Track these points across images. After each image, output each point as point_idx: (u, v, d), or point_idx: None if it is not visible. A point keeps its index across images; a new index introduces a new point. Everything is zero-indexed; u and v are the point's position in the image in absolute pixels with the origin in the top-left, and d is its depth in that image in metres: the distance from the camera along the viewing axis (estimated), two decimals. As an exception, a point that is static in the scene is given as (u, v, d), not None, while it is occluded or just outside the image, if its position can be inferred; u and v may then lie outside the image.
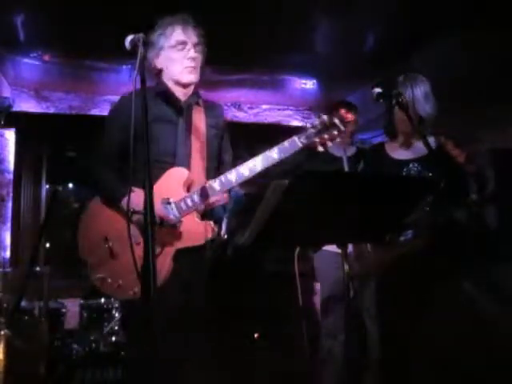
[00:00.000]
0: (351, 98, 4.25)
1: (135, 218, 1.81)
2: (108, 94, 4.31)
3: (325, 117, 1.86)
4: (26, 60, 3.69)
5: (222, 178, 1.87)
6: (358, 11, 3.06)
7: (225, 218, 4.14)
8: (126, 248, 1.80)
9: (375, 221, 1.69)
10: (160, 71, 2.02)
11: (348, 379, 2.63)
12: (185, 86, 2.01)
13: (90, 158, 2.07)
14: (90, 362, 3.04)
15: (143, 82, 1.60)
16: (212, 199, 1.90)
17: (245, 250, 3.66)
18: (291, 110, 5.10)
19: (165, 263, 1.82)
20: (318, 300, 3.25)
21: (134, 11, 2.91)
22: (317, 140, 1.86)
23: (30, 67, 3.81)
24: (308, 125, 1.89)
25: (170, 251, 1.84)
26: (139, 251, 1.66)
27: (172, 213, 1.83)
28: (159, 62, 1.99)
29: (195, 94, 2.07)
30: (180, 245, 1.86)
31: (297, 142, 1.86)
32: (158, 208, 1.78)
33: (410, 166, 2.21)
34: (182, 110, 2.00)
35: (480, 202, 2.14)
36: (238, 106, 4.92)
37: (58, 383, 2.88)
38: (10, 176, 4.22)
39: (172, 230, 1.84)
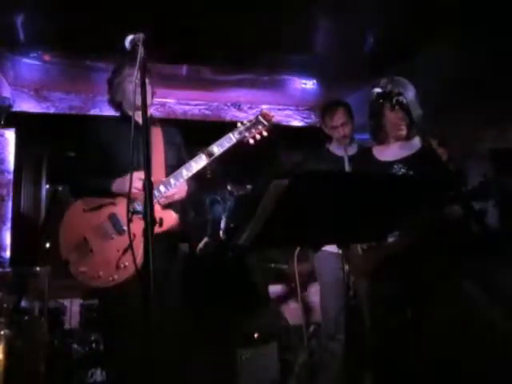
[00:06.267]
0: (351, 97, 4.25)
1: (108, 211, 2.22)
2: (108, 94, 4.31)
3: (252, 117, 2.35)
4: (25, 60, 3.69)
5: (175, 172, 2.26)
6: (357, 11, 3.06)
7: (224, 218, 4.14)
8: (102, 244, 2.21)
9: (375, 221, 1.69)
10: (120, 103, 2.46)
11: (348, 379, 2.64)
12: (139, 108, 2.34)
13: (72, 172, 2.47)
14: (89, 361, 3.04)
15: (143, 81, 1.61)
16: (169, 192, 2.24)
17: (244, 250, 3.66)
18: (291, 109, 5.10)
19: (138, 249, 1.89)
20: (317, 300, 3.24)
21: (134, 11, 2.91)
22: (247, 135, 2.30)
23: (30, 67, 3.81)
24: (239, 124, 2.31)
25: (140, 240, 1.87)
26: (114, 245, 2.19)
27: (140, 207, 2.09)
28: (118, 97, 2.45)
29: (151, 116, 2.49)
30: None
31: (231, 137, 2.28)
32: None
33: (395, 167, 2.22)
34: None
35: (467, 198, 2.16)
36: (237, 106, 4.91)
37: (58, 383, 2.88)
38: (10, 176, 4.22)
39: (140, 220, 1.92)
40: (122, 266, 2.13)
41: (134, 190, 2.04)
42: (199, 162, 2.25)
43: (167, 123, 2.60)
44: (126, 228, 2.14)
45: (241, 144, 2.30)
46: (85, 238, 2.22)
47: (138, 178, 2.04)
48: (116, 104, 2.50)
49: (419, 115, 2.19)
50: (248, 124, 2.32)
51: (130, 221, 1.72)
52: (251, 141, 2.30)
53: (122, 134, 2.29)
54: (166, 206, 2.29)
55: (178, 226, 2.32)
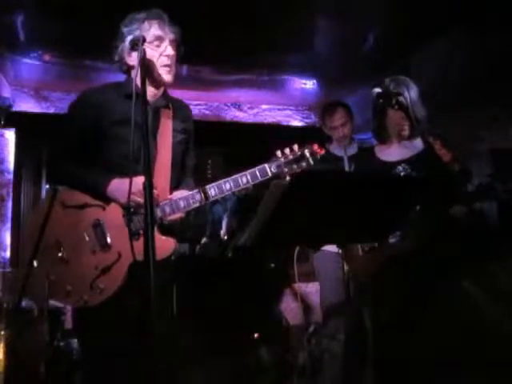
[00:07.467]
0: (351, 97, 4.25)
1: (93, 216, 1.81)
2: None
3: (296, 148, 1.87)
4: (26, 60, 3.69)
5: (190, 197, 1.84)
6: (357, 11, 3.07)
7: (225, 218, 4.14)
8: (78, 255, 1.79)
9: (375, 221, 1.69)
10: (130, 68, 1.91)
11: (348, 379, 2.64)
12: (157, 86, 1.91)
13: (53, 157, 2.03)
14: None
15: (143, 81, 1.60)
16: (175, 215, 1.85)
17: (245, 250, 3.66)
18: (291, 109, 5.10)
19: (120, 272, 1.77)
20: (317, 300, 3.24)
21: (134, 11, 2.90)
22: (286, 170, 1.85)
23: (30, 67, 3.81)
24: (279, 153, 1.87)
25: (126, 262, 1.76)
26: (93, 261, 1.78)
27: (139, 224, 1.78)
28: (131, 59, 1.86)
29: (164, 95, 1.98)
30: (137, 257, 1.58)
31: (267, 171, 1.85)
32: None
33: (399, 167, 2.22)
34: (148, 113, 1.83)
35: (471, 198, 2.17)
36: (237, 106, 4.92)
37: (58, 383, 2.88)
38: (10, 176, 4.22)
39: (133, 240, 1.65)
40: (98, 288, 1.75)
41: (128, 200, 1.65)
42: (221, 192, 1.85)
43: (180, 102, 2.11)
44: (110, 242, 1.79)
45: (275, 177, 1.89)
46: (58, 241, 1.82)
47: (139, 188, 1.59)
48: (124, 67, 1.94)
49: (423, 115, 2.18)
50: (291, 157, 1.85)
51: (129, 220, 1.67)
52: (288, 178, 1.86)
53: (127, 113, 1.76)
54: (167, 229, 1.86)
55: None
